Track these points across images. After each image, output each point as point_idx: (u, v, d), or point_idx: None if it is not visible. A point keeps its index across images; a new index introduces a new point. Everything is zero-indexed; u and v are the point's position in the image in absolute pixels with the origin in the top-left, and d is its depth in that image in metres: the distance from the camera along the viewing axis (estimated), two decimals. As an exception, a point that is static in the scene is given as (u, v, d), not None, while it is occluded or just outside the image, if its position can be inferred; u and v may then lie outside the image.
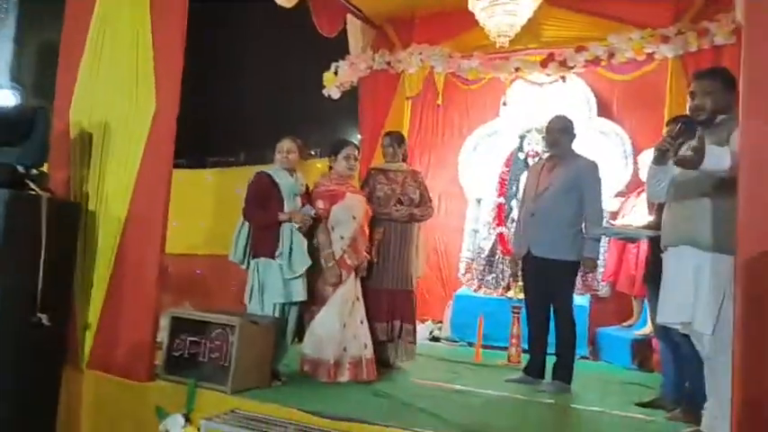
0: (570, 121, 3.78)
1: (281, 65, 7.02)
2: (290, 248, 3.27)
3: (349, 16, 5.33)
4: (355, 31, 5.42)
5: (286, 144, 3.43)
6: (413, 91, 5.43)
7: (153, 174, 3.14)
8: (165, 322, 3.14)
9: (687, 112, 2.65)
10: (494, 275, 5.48)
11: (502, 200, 5.57)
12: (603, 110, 5.40)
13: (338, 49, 5.53)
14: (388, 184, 3.98)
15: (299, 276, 3.28)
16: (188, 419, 2.71)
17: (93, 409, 3.07)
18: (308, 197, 3.49)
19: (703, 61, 4.26)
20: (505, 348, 4.52)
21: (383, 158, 4.16)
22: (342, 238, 3.47)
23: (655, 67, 4.69)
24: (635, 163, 5.01)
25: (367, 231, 3.64)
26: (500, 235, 5.49)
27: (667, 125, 3.14)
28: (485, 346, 4.72)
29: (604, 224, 4.94)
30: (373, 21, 5.57)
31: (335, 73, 5.51)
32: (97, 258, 3.20)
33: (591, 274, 5.15)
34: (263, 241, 3.30)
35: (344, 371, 3.36)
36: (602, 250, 5.19)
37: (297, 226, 3.29)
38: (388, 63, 5.34)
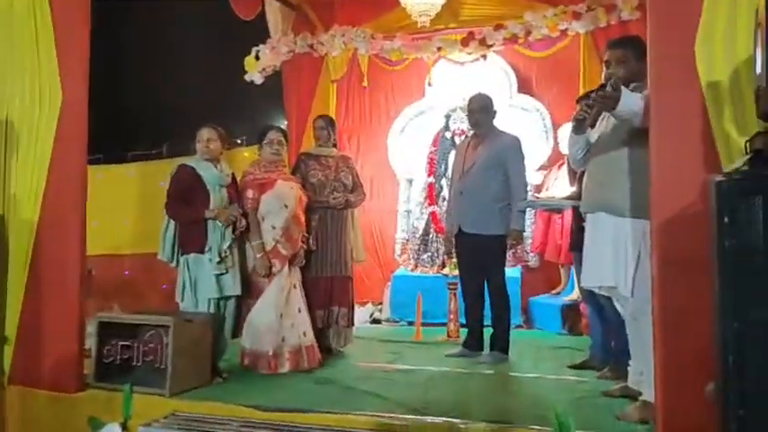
0: (489, 99, 3.87)
1: (202, 51, 6.71)
2: (219, 242, 3.18)
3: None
4: (274, 13, 5.28)
5: (205, 133, 3.29)
6: (337, 74, 5.37)
7: (65, 172, 2.93)
8: (92, 328, 2.98)
9: (602, 81, 2.76)
10: (429, 254, 5.58)
11: (432, 179, 5.66)
12: (523, 87, 5.57)
13: (259, 32, 5.37)
14: (322, 170, 3.94)
15: (229, 270, 3.20)
16: (125, 428, 2.59)
17: (19, 427, 2.89)
18: (235, 187, 3.39)
19: (612, 36, 4.46)
20: (445, 324, 4.63)
21: (315, 143, 4.09)
22: (273, 227, 3.41)
23: (568, 43, 4.88)
24: (555, 137, 5.22)
25: (302, 219, 3.59)
26: (432, 214, 5.58)
27: (578, 102, 3.27)
28: (425, 324, 4.80)
29: (529, 197, 5.16)
30: (292, 2, 5.43)
31: (257, 57, 5.36)
32: (10, 266, 2.97)
33: (520, 246, 5.38)
34: (191, 237, 3.18)
35: (285, 361, 3.33)
36: (528, 222, 5.44)
37: (222, 225, 3.19)
38: (311, 46, 5.24)
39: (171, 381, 2.74)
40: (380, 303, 5.68)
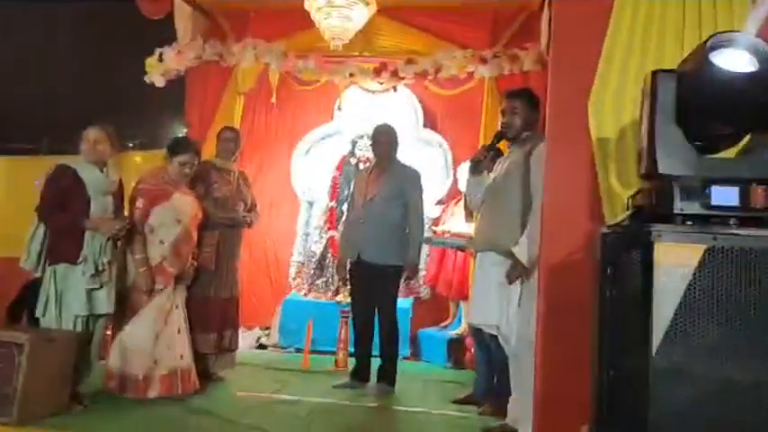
0: (394, 131, 3.94)
1: (97, 46, 6.20)
2: (97, 254, 2.89)
3: (177, 1, 4.92)
4: (184, 16, 5.03)
5: (93, 133, 3.01)
6: (245, 86, 5.19)
7: None
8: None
9: (499, 128, 2.90)
10: (324, 279, 5.48)
11: (333, 203, 5.60)
12: (429, 121, 5.71)
13: (164, 34, 5.09)
14: (225, 185, 3.77)
15: (104, 285, 2.92)
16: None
17: None
18: (121, 195, 3.12)
19: (514, 84, 4.70)
20: (334, 353, 4.53)
21: (218, 155, 3.88)
22: (162, 242, 3.18)
23: (474, 85, 5.08)
24: (454, 173, 5.39)
25: (194, 236, 3.38)
26: (331, 238, 5.51)
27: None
28: (314, 352, 4.69)
29: (426, 231, 5.26)
30: (205, 8, 5.22)
31: (160, 59, 5.06)
32: None
33: (414, 278, 5.45)
34: (63, 245, 2.88)
35: (156, 385, 3.08)
36: (423, 255, 5.54)
37: (103, 238, 2.92)
38: (220, 55, 5.04)
39: (19, 407, 2.42)
40: (269, 328, 5.47)
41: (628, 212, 1.79)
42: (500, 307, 2.64)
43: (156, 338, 3.09)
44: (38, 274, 2.89)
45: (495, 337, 2.88)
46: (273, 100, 5.38)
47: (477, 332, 3.29)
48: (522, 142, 2.80)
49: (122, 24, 5.06)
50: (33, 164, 5.36)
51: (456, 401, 3.52)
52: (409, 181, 3.81)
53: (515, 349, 2.67)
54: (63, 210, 2.89)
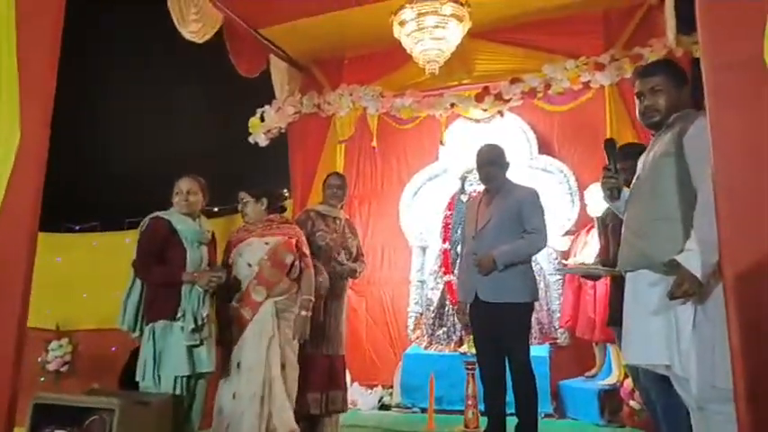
0: (500, 150, 3.46)
1: (196, 110, 6.46)
2: (196, 308, 2.71)
3: (273, 58, 4.99)
4: (280, 73, 5.08)
5: (186, 183, 2.91)
6: (345, 134, 5.08)
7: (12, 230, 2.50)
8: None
9: (637, 115, 2.33)
10: (445, 329, 4.99)
11: (447, 246, 5.17)
12: (544, 146, 5.19)
13: (263, 93, 5.16)
14: (329, 233, 3.53)
15: (205, 342, 2.71)
16: None
17: None
18: (213, 245, 2.96)
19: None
20: (462, 412, 3.98)
21: (325, 201, 3.66)
22: (237, 290, 2.97)
23: (592, 97, 4.53)
24: (581, 199, 4.76)
25: (273, 280, 3.01)
26: (448, 283, 5.04)
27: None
28: (439, 411, 4.21)
29: (554, 263, 4.62)
30: (299, 62, 5.25)
31: (262, 119, 5.11)
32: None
33: (548, 321, 4.78)
34: (161, 300, 2.72)
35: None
36: (556, 294, 4.88)
37: (201, 290, 2.74)
38: (318, 106, 4.99)
39: (114, 479, 2.20)
40: (391, 387, 5.05)
41: None
42: (667, 338, 2.00)
43: (232, 398, 2.80)
44: (136, 335, 2.76)
45: (668, 381, 2.20)
46: (374, 144, 5.19)
47: (640, 377, 2.61)
48: (667, 128, 2.20)
49: (219, 86, 5.16)
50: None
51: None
52: (525, 201, 3.29)
53: (699, 400, 1.99)
54: (160, 262, 2.77)
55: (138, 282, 2.79)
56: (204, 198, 2.98)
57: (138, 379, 2.66)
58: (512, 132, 5.17)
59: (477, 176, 3.57)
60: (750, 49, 1.59)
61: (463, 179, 5.20)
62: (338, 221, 3.62)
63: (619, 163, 2.34)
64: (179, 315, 2.68)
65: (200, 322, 2.69)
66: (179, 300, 2.70)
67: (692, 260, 1.88)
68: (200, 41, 3.86)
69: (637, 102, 2.29)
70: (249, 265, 2.98)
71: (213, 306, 2.85)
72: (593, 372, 4.49)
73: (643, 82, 2.26)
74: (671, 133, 2.11)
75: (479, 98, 4.55)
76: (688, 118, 2.08)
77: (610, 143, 2.40)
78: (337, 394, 3.39)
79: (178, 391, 2.63)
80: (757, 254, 1.54)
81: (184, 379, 2.68)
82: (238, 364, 2.86)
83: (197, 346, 2.70)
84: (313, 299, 3.14)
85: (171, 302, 2.70)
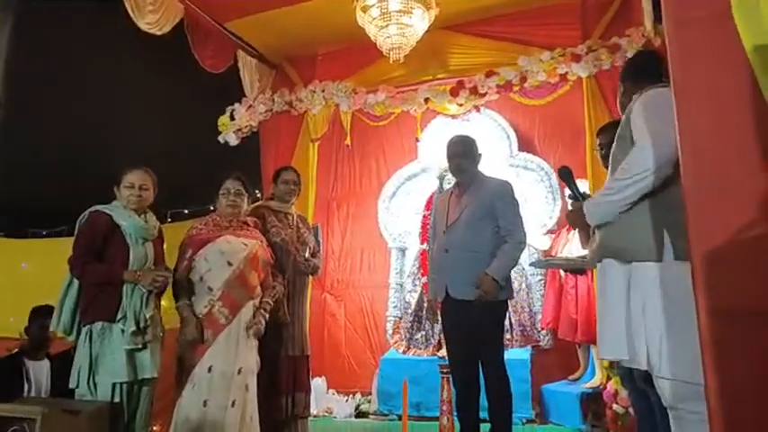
0: (470, 140, 3.29)
1: (167, 109, 6.24)
2: (138, 309, 2.51)
3: (241, 54, 4.82)
4: (249, 69, 4.91)
5: (138, 177, 2.70)
6: (318, 132, 4.89)
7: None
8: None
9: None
10: (423, 333, 4.79)
11: (425, 246, 4.98)
12: (525, 143, 5.03)
13: (234, 90, 4.99)
14: (284, 229, 3.36)
15: (149, 345, 2.51)
16: None
17: None
18: (161, 242, 2.77)
19: (618, 78, 3.96)
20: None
21: (278, 197, 3.46)
22: (210, 289, 2.76)
23: (570, 89, 4.38)
24: (563, 197, 4.61)
25: (253, 282, 2.92)
26: (426, 285, 4.85)
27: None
28: (416, 418, 4.01)
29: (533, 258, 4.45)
30: (270, 59, 5.09)
31: (232, 117, 4.94)
32: None
33: (530, 323, 4.59)
34: (99, 300, 2.52)
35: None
36: (538, 295, 4.69)
37: (145, 290, 2.55)
38: (290, 103, 4.82)
39: (34, 497, 1.99)
40: (370, 393, 4.85)
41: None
42: (628, 334, 1.85)
43: (203, 406, 2.59)
44: (71, 338, 2.56)
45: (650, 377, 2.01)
46: (348, 142, 5.02)
47: (627, 373, 2.42)
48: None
49: (193, 83, 4.97)
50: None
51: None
52: (498, 193, 3.12)
53: (672, 399, 1.81)
54: (99, 260, 2.57)
55: (76, 281, 2.59)
56: (154, 193, 2.79)
57: (71, 386, 2.45)
58: (491, 129, 5.02)
59: (449, 169, 3.40)
60: (712, 3, 1.43)
61: (441, 178, 5.02)
62: (290, 217, 3.46)
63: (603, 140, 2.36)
64: (119, 316, 2.49)
65: (142, 324, 2.50)
66: (120, 300, 2.51)
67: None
68: (159, 33, 3.69)
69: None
70: (229, 264, 2.79)
71: (158, 307, 2.66)
72: (576, 375, 4.31)
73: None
74: (624, 116, 2.02)
75: (454, 92, 4.39)
76: (636, 98, 1.98)
77: (565, 171, 2.33)
78: (300, 397, 3.20)
79: (117, 399, 2.43)
80: (727, 226, 1.37)
81: (124, 386, 2.47)
82: (210, 369, 2.66)
83: (139, 350, 2.50)
84: (272, 303, 2.99)
85: (110, 303, 2.50)
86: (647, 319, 1.81)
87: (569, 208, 2.28)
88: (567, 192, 2.41)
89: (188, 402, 2.58)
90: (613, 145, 2.09)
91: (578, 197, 2.27)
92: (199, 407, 2.57)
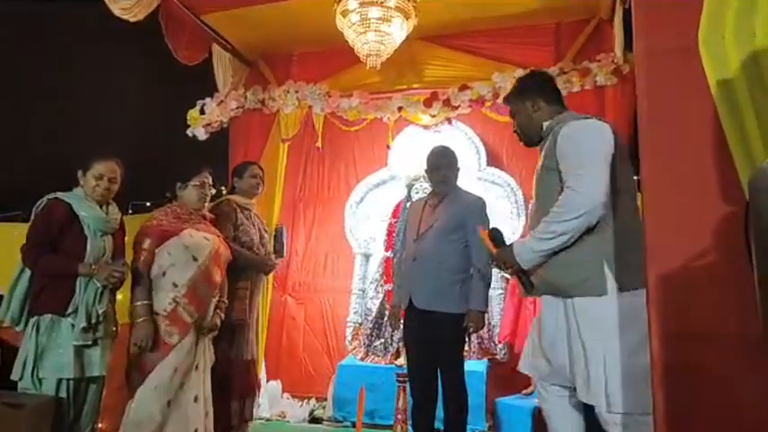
0: (453, 153, 3.34)
1: (134, 98, 6.11)
2: (91, 304, 2.43)
3: (216, 48, 4.75)
4: (223, 64, 4.84)
5: (108, 168, 2.60)
6: (289, 133, 4.84)
7: None
8: None
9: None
10: (382, 340, 4.79)
11: (389, 254, 4.99)
12: (493, 158, 5.11)
13: (206, 84, 4.91)
14: (250, 227, 3.31)
15: (99, 342, 2.43)
16: None
17: None
18: (122, 235, 2.69)
19: (587, 102, 4.07)
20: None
21: (245, 191, 3.37)
22: (174, 285, 2.69)
23: (541, 108, 4.45)
24: (526, 213, 4.68)
25: (217, 279, 2.87)
26: (388, 293, 4.86)
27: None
28: (370, 426, 4.03)
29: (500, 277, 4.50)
30: (245, 56, 5.03)
31: (202, 111, 4.85)
32: None
33: (487, 335, 4.64)
34: (50, 292, 2.43)
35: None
36: (497, 309, 4.75)
37: (100, 285, 2.47)
38: (262, 101, 4.76)
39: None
40: (326, 399, 4.81)
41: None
42: (571, 364, 1.91)
43: (167, 406, 2.53)
44: (19, 328, 2.45)
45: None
46: (318, 144, 5.00)
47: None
48: (543, 140, 2.11)
49: (165, 74, 4.86)
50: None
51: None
52: (472, 209, 3.14)
53: (622, 423, 1.85)
54: (54, 251, 2.47)
55: (28, 271, 2.49)
56: (121, 185, 2.71)
57: (14, 377, 2.35)
58: (462, 142, 5.07)
59: (429, 179, 3.39)
60: (683, 36, 1.48)
61: (410, 186, 5.05)
62: (253, 215, 3.41)
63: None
64: (70, 310, 2.40)
65: (94, 320, 2.41)
66: (72, 293, 2.42)
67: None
68: (133, 20, 3.60)
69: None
70: (194, 260, 2.73)
71: (113, 302, 2.58)
72: (530, 389, 4.37)
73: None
74: (547, 144, 2.03)
75: (428, 103, 4.42)
76: (559, 126, 1.99)
77: (495, 232, 2.25)
78: (251, 402, 3.16)
79: (63, 395, 2.34)
80: (684, 252, 1.42)
81: (71, 382, 2.38)
82: (175, 370, 2.60)
83: (88, 346, 2.42)
84: (227, 302, 2.95)
85: (62, 295, 2.41)
86: (588, 352, 1.85)
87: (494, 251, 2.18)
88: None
89: (148, 403, 2.51)
90: (538, 169, 2.08)
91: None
92: (162, 406, 2.52)
